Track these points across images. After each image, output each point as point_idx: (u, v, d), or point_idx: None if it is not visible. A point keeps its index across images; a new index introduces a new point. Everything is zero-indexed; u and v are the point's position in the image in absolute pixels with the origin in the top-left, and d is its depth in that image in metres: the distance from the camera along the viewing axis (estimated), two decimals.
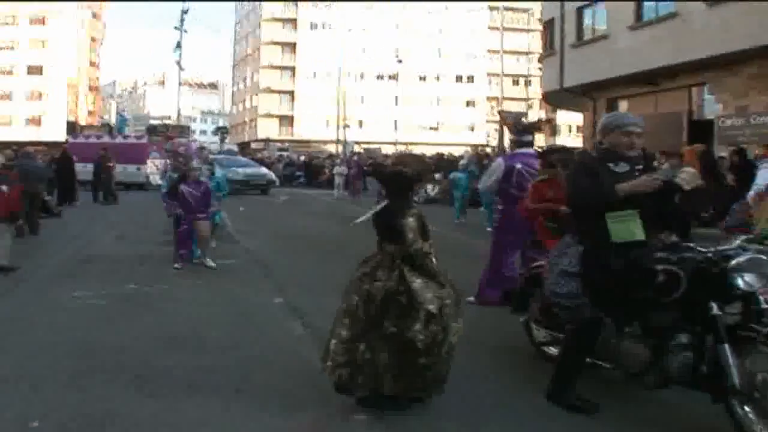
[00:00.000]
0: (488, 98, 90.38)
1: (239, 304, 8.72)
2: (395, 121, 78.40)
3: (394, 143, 68.54)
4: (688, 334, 4.69)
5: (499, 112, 14.90)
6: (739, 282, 4.45)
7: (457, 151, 43.32)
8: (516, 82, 76.18)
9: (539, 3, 39.07)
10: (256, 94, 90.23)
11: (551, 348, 6.06)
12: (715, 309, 4.48)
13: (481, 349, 6.39)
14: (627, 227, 4.82)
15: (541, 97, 65.33)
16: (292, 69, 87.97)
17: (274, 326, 7.63)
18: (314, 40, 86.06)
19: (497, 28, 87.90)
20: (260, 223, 18.94)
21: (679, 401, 5.09)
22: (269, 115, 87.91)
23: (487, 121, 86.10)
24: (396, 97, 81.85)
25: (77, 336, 7.00)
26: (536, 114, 61.51)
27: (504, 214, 8.67)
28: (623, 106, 27.94)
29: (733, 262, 4.47)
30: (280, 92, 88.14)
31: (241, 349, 6.64)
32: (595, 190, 4.85)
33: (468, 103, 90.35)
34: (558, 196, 6.85)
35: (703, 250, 4.66)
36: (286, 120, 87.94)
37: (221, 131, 66.67)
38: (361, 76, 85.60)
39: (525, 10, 79.10)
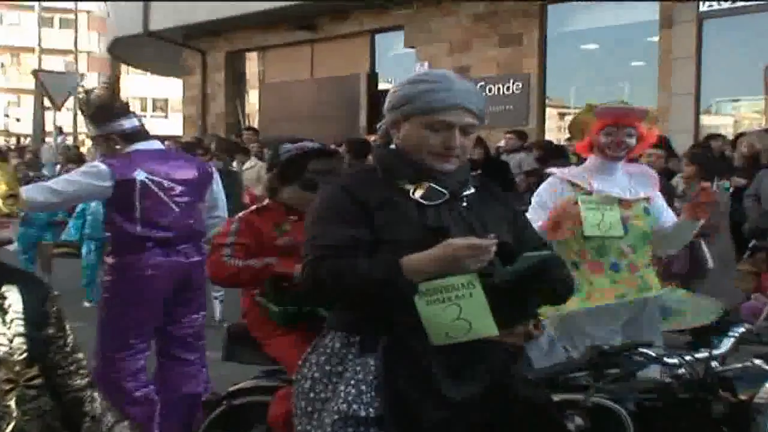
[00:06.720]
0: None
1: None
2: None
3: None
4: None
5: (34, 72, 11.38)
6: None
7: None
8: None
9: None
10: None
11: None
12: None
13: None
14: (455, 312, 2.09)
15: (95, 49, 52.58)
16: None
17: None
18: None
19: None
20: None
21: None
22: None
23: None
24: None
25: None
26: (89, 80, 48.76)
27: (117, 273, 4.00)
28: (255, 63, 19.75)
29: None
30: None
31: None
32: (344, 267, 2.11)
33: None
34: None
35: (673, 361, 2.54)
36: None
37: None
38: None
39: None
